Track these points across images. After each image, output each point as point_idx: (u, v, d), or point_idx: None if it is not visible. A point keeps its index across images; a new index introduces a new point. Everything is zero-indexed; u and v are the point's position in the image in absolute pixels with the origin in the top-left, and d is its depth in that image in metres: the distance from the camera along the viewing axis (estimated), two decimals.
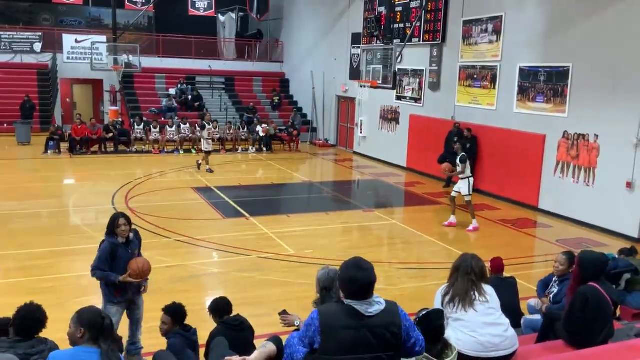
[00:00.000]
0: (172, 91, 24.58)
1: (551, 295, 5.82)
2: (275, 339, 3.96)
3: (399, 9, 18.43)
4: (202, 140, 17.15)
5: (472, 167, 15.17)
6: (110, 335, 3.59)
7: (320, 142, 24.14)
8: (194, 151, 20.83)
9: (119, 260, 5.73)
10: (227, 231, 11.30)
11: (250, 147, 21.79)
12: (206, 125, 17.15)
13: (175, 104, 23.81)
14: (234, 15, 28.43)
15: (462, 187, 11.81)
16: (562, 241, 11.15)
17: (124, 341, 5.84)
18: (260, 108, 25.19)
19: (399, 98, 19.12)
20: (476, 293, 4.33)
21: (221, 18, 28.59)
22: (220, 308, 5.16)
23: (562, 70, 12.85)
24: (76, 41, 24.42)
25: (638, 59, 11.24)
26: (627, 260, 6.44)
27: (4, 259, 9.19)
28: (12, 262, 9.02)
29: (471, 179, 11.87)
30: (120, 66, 22.22)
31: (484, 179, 15.23)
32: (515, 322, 5.55)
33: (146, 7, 25.02)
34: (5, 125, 22.11)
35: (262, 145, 21.65)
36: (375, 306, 3.27)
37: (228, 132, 21.79)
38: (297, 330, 4.29)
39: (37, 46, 24.53)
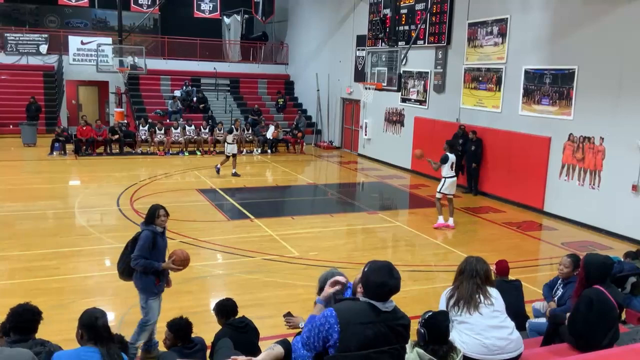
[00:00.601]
0: (177, 93, 24.64)
1: (556, 298, 5.81)
2: (284, 342, 3.95)
3: (404, 11, 18.42)
4: (225, 144, 17.11)
5: (477, 169, 15.26)
6: (106, 335, 3.63)
7: (325, 144, 24.15)
8: (198, 153, 20.87)
9: (157, 248, 5.88)
10: (232, 233, 11.31)
11: (255, 149, 21.81)
12: (234, 130, 17.09)
13: (180, 106, 23.86)
14: (239, 18, 28.47)
15: (439, 185, 12.08)
16: (567, 244, 11.11)
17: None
18: (265, 110, 25.22)
19: (403, 100, 19.11)
20: (481, 296, 4.32)
21: (226, 20, 28.64)
22: (226, 309, 5.15)
23: (568, 72, 12.82)
24: (82, 43, 24.51)
25: None
26: (632, 264, 6.41)
27: (9, 259, 9.23)
28: (17, 263, 9.05)
29: (448, 180, 11.93)
30: (126, 68, 22.27)
31: (489, 182, 15.22)
32: (520, 325, 5.54)
33: (152, 9, 25.07)
34: (11, 126, 22.19)
35: (270, 147, 21.71)
36: (390, 302, 3.39)
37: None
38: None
39: (43, 48, 24.62)
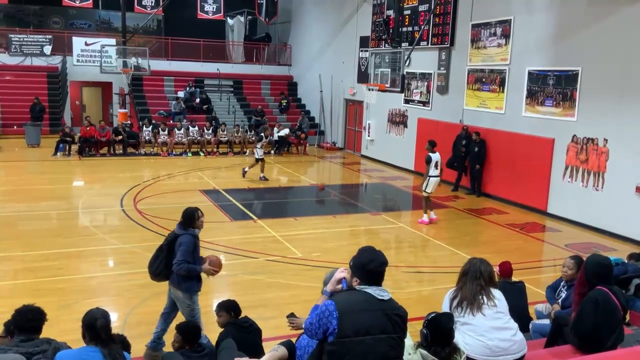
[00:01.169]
0: (181, 94, 24.68)
1: (560, 300, 5.79)
2: (287, 343, 3.96)
3: (407, 12, 18.42)
4: (255, 149, 17.00)
5: (480, 170, 15.23)
6: (105, 336, 3.66)
7: (328, 145, 24.15)
8: (201, 154, 20.89)
9: (197, 251, 5.99)
10: (235, 234, 11.31)
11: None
12: (264, 137, 17.12)
13: (184, 107, 23.90)
14: (242, 19, 28.53)
15: (424, 184, 12.32)
16: (571, 246, 11.09)
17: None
18: (268, 111, 25.24)
19: (407, 101, 19.10)
20: (484, 297, 4.32)
21: (230, 21, 28.70)
22: (232, 306, 5.15)
23: (571, 73, 12.80)
24: (86, 44, 24.58)
25: None
26: (636, 265, 6.39)
27: (12, 260, 9.26)
28: (21, 264, 9.08)
29: (431, 179, 12.19)
30: (130, 69, 22.33)
31: (492, 183, 15.20)
32: (524, 327, 5.53)
33: (155, 10, 25.12)
34: (15, 127, 22.26)
35: (281, 148, 21.87)
36: (386, 292, 3.50)
37: (236, 135, 21.84)
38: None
39: (47, 49, 24.69)
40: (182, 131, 21.20)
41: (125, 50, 22.66)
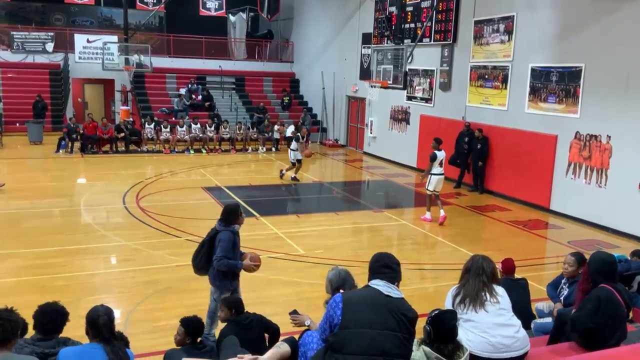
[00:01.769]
0: (183, 91, 24.68)
1: (562, 297, 5.78)
2: (290, 340, 3.97)
3: (409, 8, 18.38)
4: (290, 151, 16.51)
5: (482, 167, 15.21)
6: (107, 333, 3.68)
7: (330, 142, 24.14)
8: (204, 151, 20.90)
9: (236, 248, 6.07)
10: None
11: (260, 147, 21.84)
12: (300, 138, 16.49)
13: (187, 104, 23.90)
14: (244, 16, 28.49)
15: (427, 182, 12.22)
16: (574, 243, 11.07)
17: None
18: (270, 108, 25.23)
19: (409, 98, 19.08)
20: (487, 294, 4.31)
21: (232, 18, 28.66)
22: (233, 306, 5.15)
23: (575, 70, 12.77)
24: (88, 41, 24.57)
25: None
26: (639, 262, 6.38)
27: (16, 257, 9.27)
28: (24, 261, 9.09)
29: (433, 177, 12.04)
30: (132, 66, 22.32)
31: (494, 180, 15.17)
32: (527, 324, 5.52)
33: (157, 7, 25.11)
34: (18, 124, 22.29)
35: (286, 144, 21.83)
36: (395, 291, 3.61)
37: (238, 132, 21.84)
38: (308, 329, 4.30)
39: (49, 46, 24.70)
40: (184, 128, 21.21)
41: (127, 47, 22.65)
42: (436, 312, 3.66)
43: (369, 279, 3.75)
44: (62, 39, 24.95)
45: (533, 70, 13.92)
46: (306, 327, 4.39)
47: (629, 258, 6.57)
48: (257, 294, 7.85)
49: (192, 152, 20.72)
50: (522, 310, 5.43)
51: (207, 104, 24.40)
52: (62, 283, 8.15)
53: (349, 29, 22.41)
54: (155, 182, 15.51)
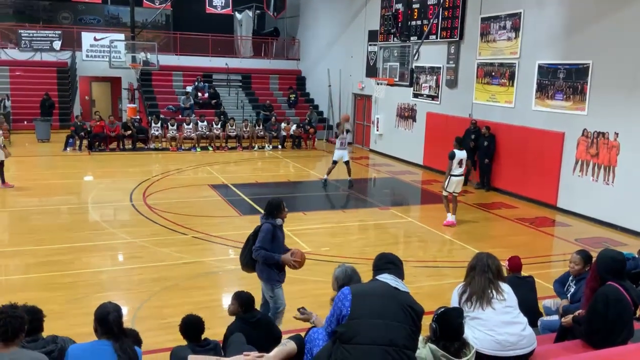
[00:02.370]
0: (189, 89, 24.72)
1: (569, 295, 5.76)
2: (296, 337, 3.97)
3: (416, 6, 18.32)
4: (335, 150, 15.62)
5: (489, 165, 15.16)
6: (117, 329, 3.69)
7: None
8: (210, 148, 20.93)
9: (277, 241, 6.12)
10: (244, 228, 11.28)
11: (267, 145, 21.85)
12: (339, 133, 15.62)
13: (193, 102, 23.95)
14: (250, 13, 28.50)
15: (444, 182, 11.75)
16: (581, 240, 11.03)
17: None
18: (277, 106, 25.23)
19: (415, 95, 19.04)
20: (493, 291, 4.31)
21: (238, 16, 28.68)
22: (244, 302, 5.16)
23: (582, 67, 12.70)
24: (95, 39, 24.66)
25: None
26: None
27: (24, 254, 9.34)
28: (31, 258, 9.15)
29: (452, 178, 11.52)
30: (138, 64, 22.38)
31: (501, 177, 15.13)
32: (533, 321, 5.51)
33: (164, 5, 25.17)
34: (26, 122, 22.39)
35: (292, 142, 21.99)
36: (402, 285, 3.68)
37: (245, 129, 21.87)
38: (314, 326, 4.32)
39: (57, 44, 24.81)
40: (191, 126, 21.24)
41: (134, 45, 22.72)
42: (442, 309, 3.67)
43: (374, 275, 3.78)
44: (69, 37, 25.04)
45: (540, 67, 13.86)
46: (311, 325, 4.40)
47: (637, 256, 6.54)
48: None
49: (198, 149, 20.76)
50: (529, 308, 5.42)
51: (213, 101, 24.43)
52: (69, 280, 8.20)
53: (355, 26, 22.38)
54: (162, 179, 15.56)
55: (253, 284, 8.08)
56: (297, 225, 11.53)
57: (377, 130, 21.32)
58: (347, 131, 15.66)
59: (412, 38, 17.94)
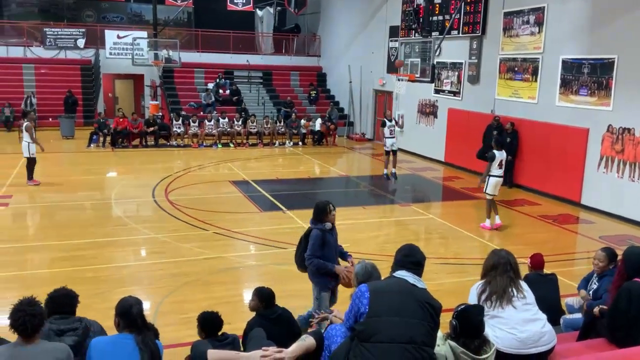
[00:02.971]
0: (211, 86, 24.86)
1: (591, 292, 5.68)
2: (316, 333, 3.97)
3: (438, 1, 18.19)
4: (384, 138, 15.51)
5: (512, 161, 14.99)
6: (140, 322, 3.72)
7: (357, 136, 24.07)
8: (231, 145, 21.04)
9: (328, 246, 6.06)
10: (264, 224, 11.38)
11: (287, 141, 21.89)
12: (387, 122, 15.22)
13: (214, 98, 24.09)
14: (271, 10, 28.54)
15: (485, 185, 11.25)
16: (605, 238, 10.86)
17: None
18: (298, 102, 25.26)
19: (437, 91, 18.91)
20: (514, 289, 4.27)
21: (259, 12, 28.73)
22: (264, 298, 5.18)
23: (607, 62, 12.48)
24: (118, 37, 24.92)
25: None
26: None
27: (49, 249, 9.49)
28: (56, 252, 9.29)
29: (491, 179, 11.05)
30: (161, 61, 22.58)
31: (524, 174, 14.96)
32: (555, 319, 5.44)
33: (185, 2, 25.32)
34: (51, 119, 22.74)
35: (318, 140, 21.97)
36: (420, 282, 3.65)
37: (265, 126, 21.94)
38: (331, 323, 4.32)
39: (81, 42, 25.14)
40: (212, 123, 21.37)
41: (157, 42, 22.92)
42: (462, 306, 3.64)
43: (393, 270, 3.74)
44: (93, 35, 25.35)
45: (564, 62, 13.65)
46: (328, 322, 4.41)
47: None
48: (284, 287, 7.87)
49: (219, 146, 20.88)
50: (552, 305, 5.36)
51: (234, 98, 24.55)
52: (92, 275, 8.31)
53: (376, 22, 22.28)
54: (183, 175, 15.68)
55: (273, 280, 8.11)
56: None
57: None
58: (396, 121, 15.51)
59: (433, 33, 17.78)
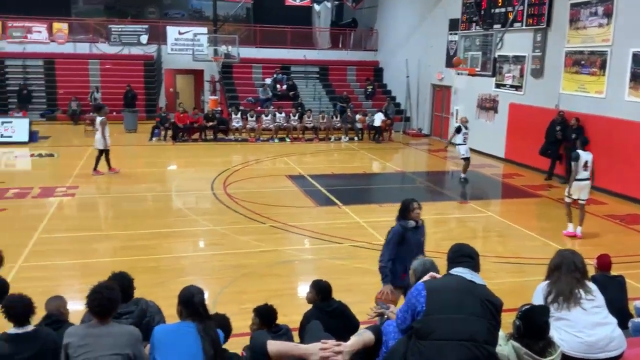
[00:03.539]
0: (268, 81, 25.09)
1: None
2: (374, 328, 3.94)
3: None
4: (457, 146, 15.32)
5: None
6: (202, 311, 3.79)
7: (413, 131, 23.77)
8: (288, 140, 21.17)
9: (407, 243, 6.02)
10: (320, 219, 11.40)
11: (343, 136, 21.86)
12: (462, 128, 15.01)
13: (271, 94, 24.31)
14: (329, 4, 28.54)
15: (567, 187, 10.54)
16: None
17: None
18: (354, 97, 25.16)
19: (498, 86, 18.43)
20: (581, 291, 4.10)
21: (316, 7, 28.78)
22: (321, 291, 5.18)
23: None
24: (179, 33, 25.47)
25: None
26: None
27: (112, 238, 9.82)
28: (118, 242, 9.61)
29: (575, 182, 10.23)
30: (220, 57, 22.96)
31: None
32: (623, 323, 5.21)
33: None
34: (115, 113, 23.49)
35: (377, 135, 21.75)
36: (478, 278, 3.56)
37: (321, 121, 21.97)
38: (387, 319, 4.27)
39: (144, 38, 25.84)
40: (269, 117, 21.57)
41: (216, 38, 23.31)
42: (527, 307, 3.53)
43: (449, 269, 3.68)
44: (155, 31, 26.02)
45: (635, 55, 13.03)
46: (386, 318, 4.36)
47: None
48: (340, 282, 7.85)
49: (276, 140, 21.05)
50: (619, 308, 5.13)
51: (291, 93, 24.70)
52: (153, 265, 8.54)
53: (435, 15, 21.91)
54: (241, 169, 15.90)
55: (328, 274, 8.12)
56: (372, 217, 11.48)
57: (457, 122, 20.78)
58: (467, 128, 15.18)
59: (495, 26, 17.36)
